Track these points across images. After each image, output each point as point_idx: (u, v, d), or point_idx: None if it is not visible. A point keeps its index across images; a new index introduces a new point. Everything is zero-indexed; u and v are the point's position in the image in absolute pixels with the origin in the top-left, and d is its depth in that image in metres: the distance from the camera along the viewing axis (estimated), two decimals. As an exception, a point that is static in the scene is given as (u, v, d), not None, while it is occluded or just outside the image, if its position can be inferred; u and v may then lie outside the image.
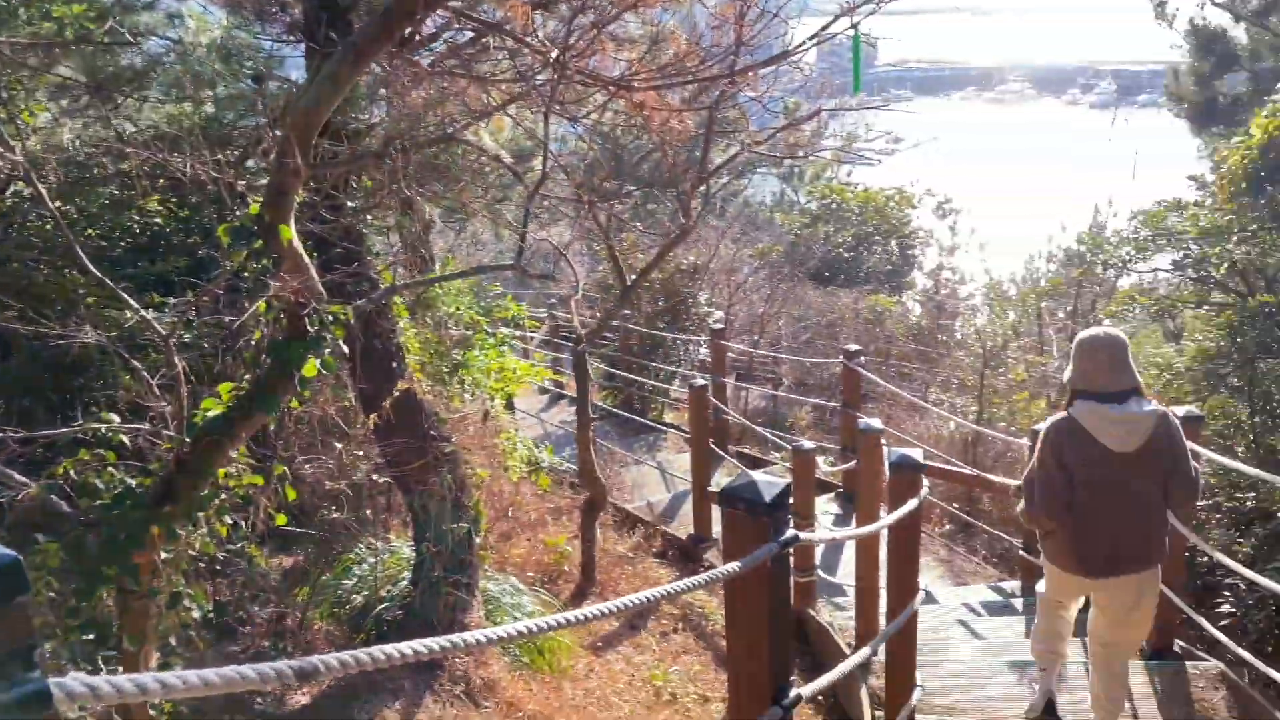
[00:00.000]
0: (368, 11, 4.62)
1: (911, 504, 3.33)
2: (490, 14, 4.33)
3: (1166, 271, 6.94)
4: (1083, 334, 3.78)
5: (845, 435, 8.51)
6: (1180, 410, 4.88)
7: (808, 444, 6.59)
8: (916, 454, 3.54)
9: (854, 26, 4.14)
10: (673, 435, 11.25)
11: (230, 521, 3.33)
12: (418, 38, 6.91)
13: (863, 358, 8.52)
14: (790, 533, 2.18)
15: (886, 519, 3.19)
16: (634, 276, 7.80)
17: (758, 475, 2.19)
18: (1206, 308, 7.08)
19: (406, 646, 1.27)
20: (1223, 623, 6.92)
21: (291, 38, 5.16)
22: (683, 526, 8.41)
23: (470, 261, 11.21)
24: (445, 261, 8.01)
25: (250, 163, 5.26)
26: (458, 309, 7.42)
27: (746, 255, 18.20)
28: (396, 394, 4.37)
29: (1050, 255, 18.43)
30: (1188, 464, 3.63)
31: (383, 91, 5.45)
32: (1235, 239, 5.56)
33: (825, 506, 8.51)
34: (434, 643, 1.28)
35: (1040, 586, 4.15)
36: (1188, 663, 4.97)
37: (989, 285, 16.91)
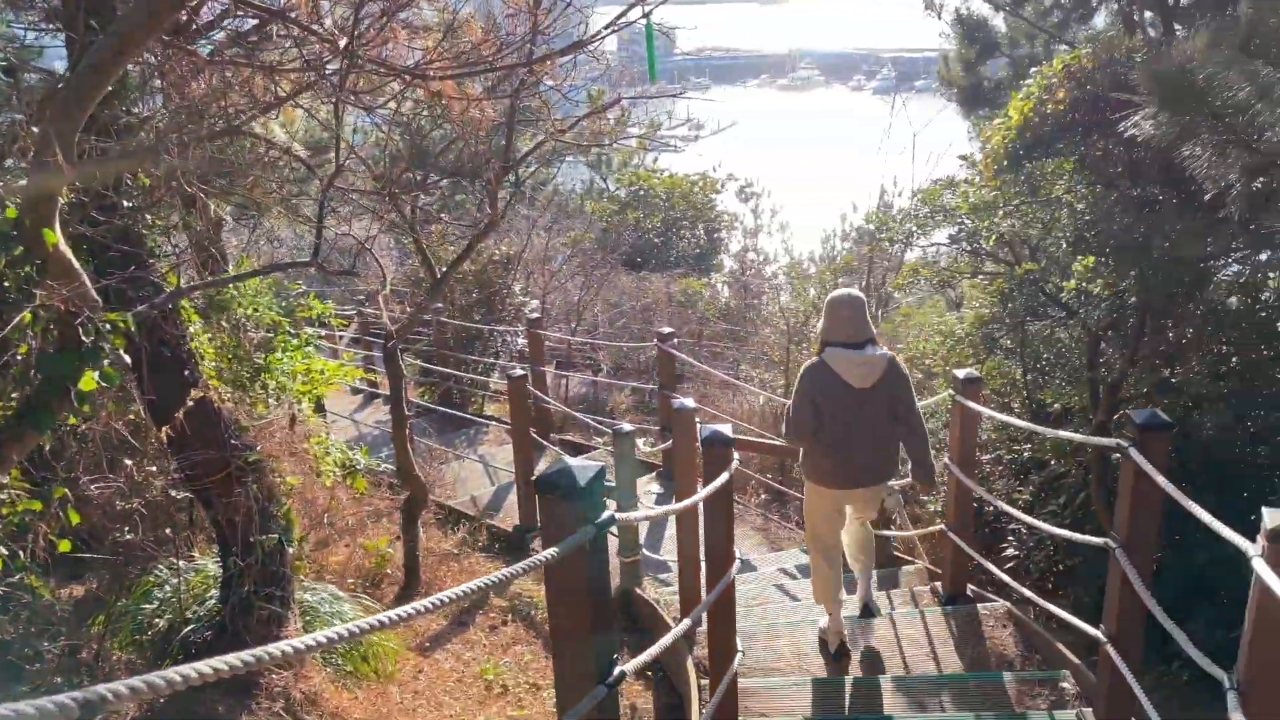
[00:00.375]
0: (134, -5, 4.30)
1: (723, 478, 3.45)
2: (272, 0, 4.13)
3: (944, 245, 7.49)
4: (831, 294, 4.63)
5: (663, 415, 8.71)
6: (961, 373, 5.30)
7: (627, 426, 6.71)
8: (726, 429, 3.67)
9: (646, 16, 4.22)
10: (494, 428, 11.17)
11: (6, 552, 3.05)
12: (195, 25, 6.49)
13: (675, 340, 8.73)
14: (606, 513, 2.23)
15: (700, 493, 3.30)
16: (444, 269, 7.65)
17: (574, 461, 2.22)
18: (981, 277, 7.68)
19: (205, 665, 1.21)
20: (1009, 565, 7.58)
21: (49, 26, 4.73)
22: (509, 518, 8.39)
23: (267, 259, 10.67)
24: (239, 261, 7.58)
25: (8, 162, 4.80)
26: (256, 310, 7.04)
27: (560, 244, 18.24)
28: (190, 404, 4.11)
29: (844, 234, 19.44)
30: (915, 415, 4.60)
31: (158, 83, 5.10)
32: (1001, 213, 6.07)
33: (648, 486, 8.70)
34: (234, 659, 1.23)
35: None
36: (979, 605, 5.41)
37: (790, 265, 17.71)
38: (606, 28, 5.08)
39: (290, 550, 4.92)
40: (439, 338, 12.34)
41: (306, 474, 6.74)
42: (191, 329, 4.70)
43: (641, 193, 20.63)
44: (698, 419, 5.37)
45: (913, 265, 7.92)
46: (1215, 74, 3.28)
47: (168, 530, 5.71)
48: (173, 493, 5.33)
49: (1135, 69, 3.80)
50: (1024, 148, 5.34)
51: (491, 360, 12.42)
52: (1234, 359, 6.83)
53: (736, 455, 3.71)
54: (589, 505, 2.19)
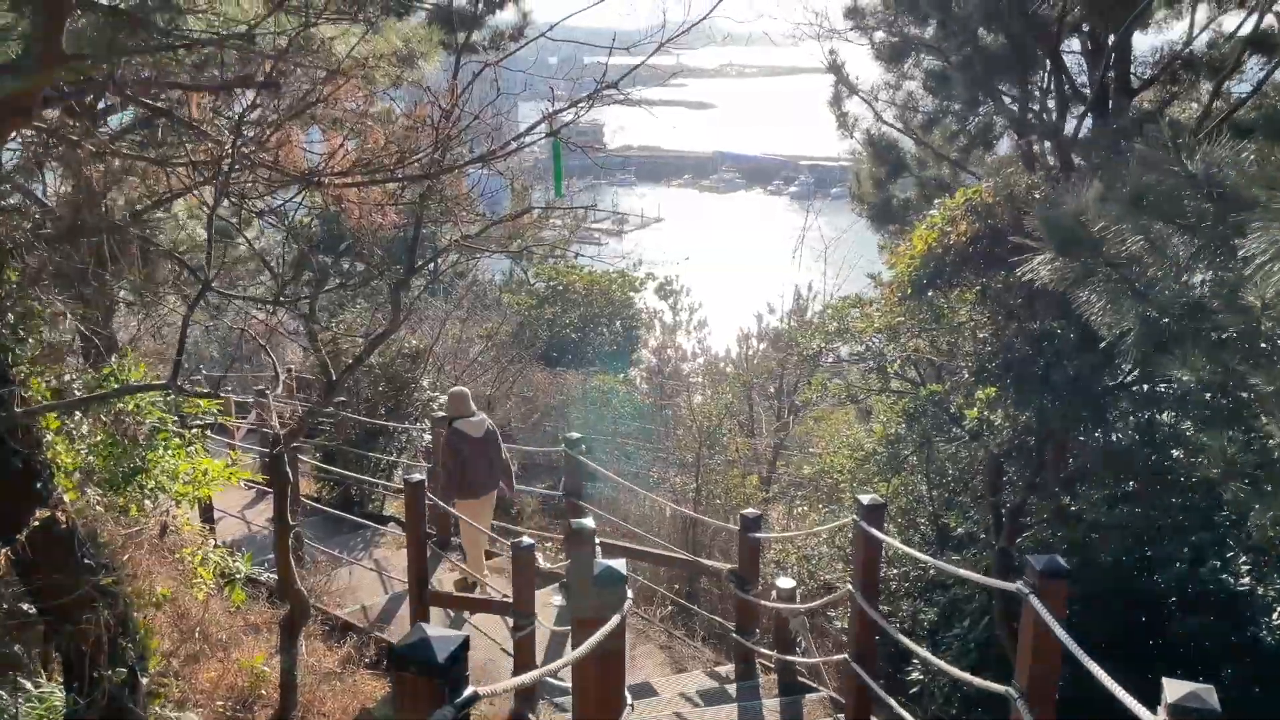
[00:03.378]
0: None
1: (614, 621, 3.25)
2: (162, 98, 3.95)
3: (852, 361, 7.54)
4: (452, 390, 8.14)
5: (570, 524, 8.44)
6: (865, 499, 5.22)
7: (527, 540, 6.45)
8: (620, 565, 3.47)
9: (555, 134, 4.17)
10: (393, 531, 10.70)
11: None
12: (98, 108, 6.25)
13: (584, 445, 8.57)
14: (469, 692, 2.01)
15: (586, 645, 3.08)
16: (349, 363, 7.36)
17: (433, 630, 2.00)
18: (887, 395, 7.74)
19: None
20: (914, 689, 7.45)
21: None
22: (401, 631, 7.95)
23: (158, 347, 10.20)
24: (123, 351, 7.18)
25: None
26: (137, 406, 6.64)
27: (475, 335, 17.99)
28: (38, 521, 3.75)
29: (761, 334, 19.65)
30: (506, 460, 8.20)
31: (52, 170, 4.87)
32: (906, 336, 6.12)
33: (551, 598, 8.37)
34: None
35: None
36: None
37: (705, 365, 17.78)
38: (516, 139, 5.03)
39: (145, 680, 4.49)
40: (341, 432, 11.88)
41: (181, 582, 6.29)
42: (49, 436, 4.34)
43: (560, 288, 20.61)
44: (598, 540, 5.16)
45: (820, 379, 7.94)
46: (1109, 226, 3.33)
47: (18, 648, 5.20)
48: (24, 606, 4.86)
49: (1032, 213, 3.86)
50: (927, 277, 5.42)
51: (394, 458, 12.01)
52: (1131, 484, 6.95)
53: (630, 594, 3.51)
54: (450, 681, 1.97)
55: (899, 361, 6.50)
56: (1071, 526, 6.75)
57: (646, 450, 16.01)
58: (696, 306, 22.10)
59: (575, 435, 8.55)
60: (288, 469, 5.90)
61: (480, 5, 10.69)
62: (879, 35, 13.17)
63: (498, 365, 15.76)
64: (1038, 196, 5.13)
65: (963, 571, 4.24)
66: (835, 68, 13.22)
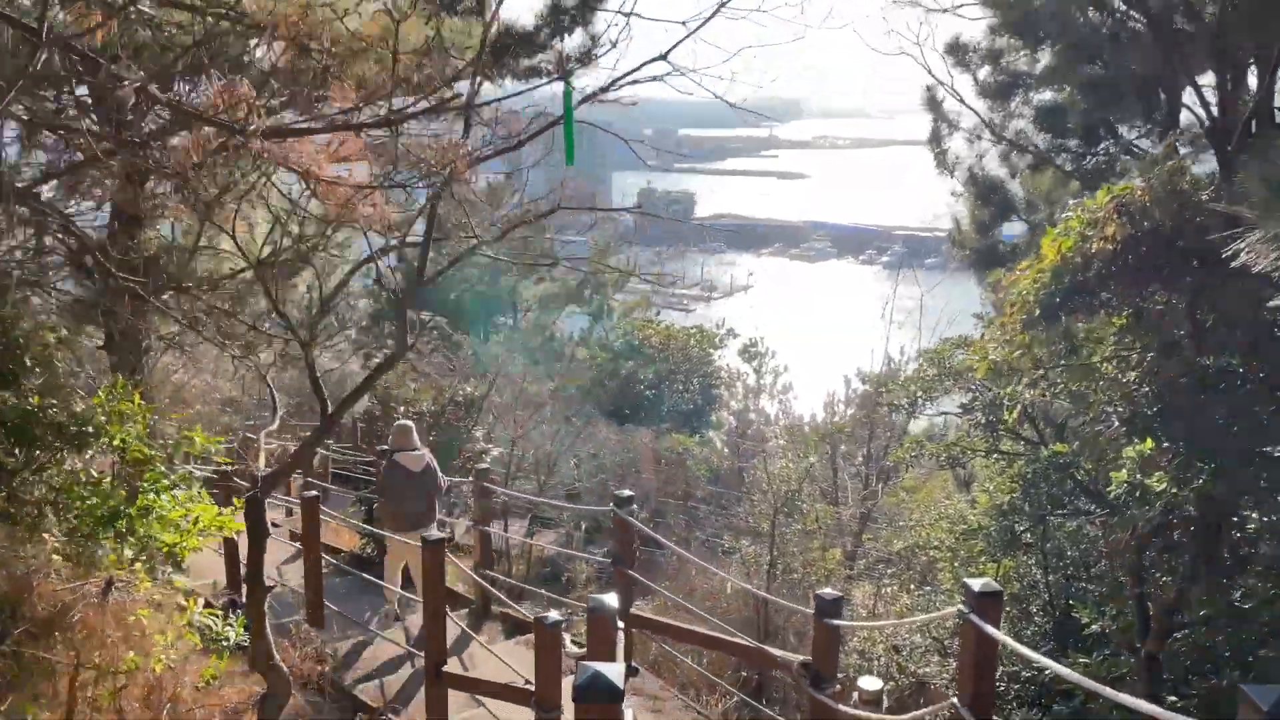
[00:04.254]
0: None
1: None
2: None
3: (955, 415, 6.29)
4: (397, 423, 8.46)
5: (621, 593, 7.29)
6: (976, 584, 3.99)
7: (554, 615, 5.34)
8: (616, 672, 2.36)
9: (564, 78, 3.20)
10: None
11: None
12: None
13: (635, 506, 7.44)
14: None
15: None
16: (368, 393, 6.54)
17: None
18: (996, 456, 6.43)
19: None
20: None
21: None
22: (418, 715, 6.89)
23: (190, 388, 9.56)
24: (119, 383, 6.46)
25: None
26: (123, 442, 5.84)
27: (547, 390, 17.17)
28: None
29: (848, 398, 18.42)
30: (441, 480, 8.45)
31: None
32: (1025, 379, 4.87)
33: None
34: None
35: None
36: None
37: (787, 426, 16.55)
38: (540, 133, 4.13)
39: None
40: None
41: (139, 647, 5.37)
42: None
43: (635, 343, 19.67)
44: (628, 616, 4.05)
45: (916, 437, 6.69)
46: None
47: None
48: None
49: (1238, 177, 2.68)
50: (1061, 295, 4.16)
51: (444, 517, 11.06)
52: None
53: (631, 714, 2.40)
54: None
55: (1015, 411, 5.23)
56: (1235, 628, 5.31)
57: (719, 516, 14.78)
58: (781, 370, 20.95)
59: (627, 493, 7.42)
60: (267, 519, 4.97)
61: (547, 30, 10.03)
62: (983, 72, 12.19)
63: (560, 419, 14.79)
64: (1205, 197, 3.92)
65: (1155, 709, 2.76)
66: (934, 103, 12.16)
